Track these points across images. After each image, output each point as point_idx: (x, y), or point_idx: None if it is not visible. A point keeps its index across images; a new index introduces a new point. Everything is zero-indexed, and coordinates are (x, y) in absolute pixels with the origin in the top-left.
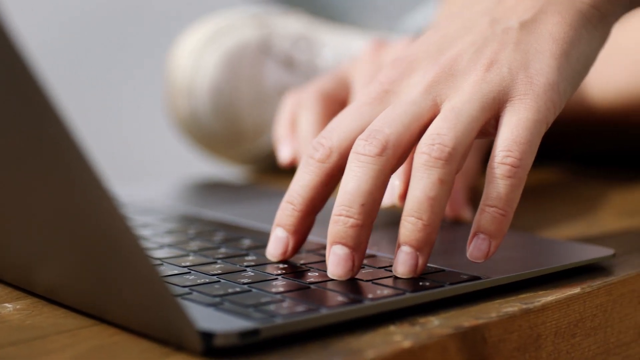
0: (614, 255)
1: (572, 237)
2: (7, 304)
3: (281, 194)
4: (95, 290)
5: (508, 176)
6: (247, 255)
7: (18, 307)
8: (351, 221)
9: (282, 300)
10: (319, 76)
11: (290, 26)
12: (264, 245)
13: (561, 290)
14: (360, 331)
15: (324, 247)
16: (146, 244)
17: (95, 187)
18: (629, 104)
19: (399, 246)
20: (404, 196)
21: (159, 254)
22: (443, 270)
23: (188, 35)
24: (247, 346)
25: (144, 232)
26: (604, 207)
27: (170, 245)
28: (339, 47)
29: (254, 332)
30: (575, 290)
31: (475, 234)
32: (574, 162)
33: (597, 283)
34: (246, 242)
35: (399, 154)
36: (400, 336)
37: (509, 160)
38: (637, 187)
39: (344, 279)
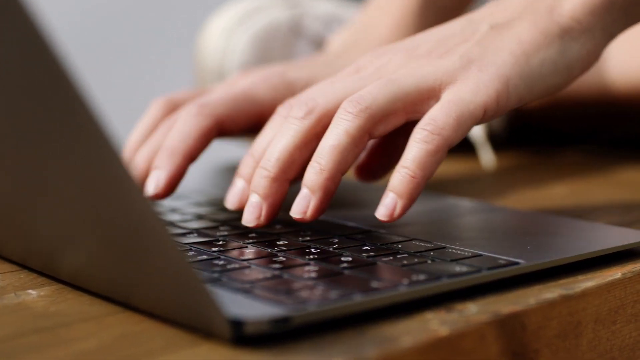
0: None
1: (609, 221)
2: (31, 291)
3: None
4: (121, 276)
5: (425, 141)
6: (278, 239)
7: (42, 293)
8: (264, 172)
9: (314, 287)
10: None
11: (322, 6)
12: (295, 230)
13: (601, 275)
14: (395, 318)
15: (359, 232)
16: (175, 230)
17: (121, 172)
18: None
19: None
20: (360, 167)
21: (188, 239)
22: (480, 255)
23: (218, 16)
24: (278, 334)
25: (172, 217)
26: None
27: (199, 231)
28: None
29: (285, 320)
30: (616, 275)
31: (386, 194)
32: (610, 145)
33: (638, 268)
34: (277, 227)
35: (324, 122)
36: (437, 323)
37: (430, 127)
38: None
39: (251, 225)
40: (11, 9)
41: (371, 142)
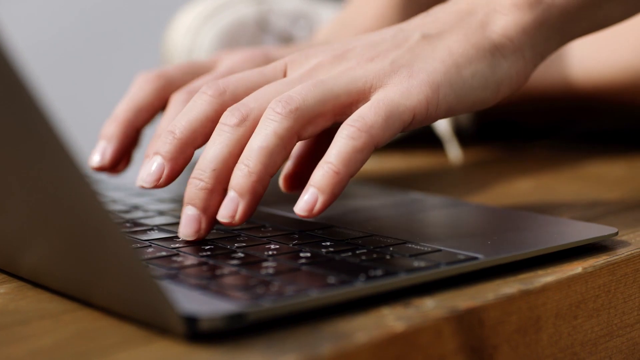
0: (616, 234)
1: (573, 216)
2: None
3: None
4: (78, 273)
5: (352, 137)
6: (238, 236)
7: (2, 291)
8: (201, 184)
9: (270, 283)
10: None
11: (288, 3)
12: (256, 226)
13: (562, 270)
14: (351, 314)
15: (320, 227)
16: (136, 227)
17: (74, 172)
18: (633, 80)
19: (228, 192)
20: (288, 176)
21: (149, 236)
22: (439, 250)
23: (184, 13)
24: (233, 330)
25: (134, 214)
26: (607, 185)
27: (160, 227)
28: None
29: (240, 316)
30: (577, 270)
31: (307, 189)
32: (578, 140)
33: (599, 262)
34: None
35: None
36: (393, 319)
37: (357, 124)
38: None
39: (191, 239)
40: None
41: (297, 150)
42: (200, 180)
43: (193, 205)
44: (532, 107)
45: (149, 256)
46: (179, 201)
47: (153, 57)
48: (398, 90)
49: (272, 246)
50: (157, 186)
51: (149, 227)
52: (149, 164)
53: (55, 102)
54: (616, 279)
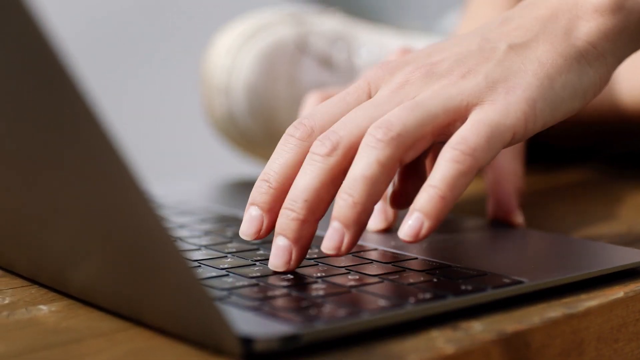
0: None
1: (610, 239)
2: (42, 306)
3: None
4: (131, 292)
5: (456, 161)
6: None
7: (53, 309)
8: (293, 215)
9: (322, 304)
10: (357, 76)
11: (328, 25)
12: None
13: (604, 294)
14: (401, 336)
15: (365, 250)
16: (183, 246)
17: (132, 188)
18: None
19: (330, 222)
20: (393, 198)
21: (197, 255)
22: (485, 274)
23: (224, 34)
24: (287, 351)
25: (181, 233)
26: None
27: (207, 247)
28: (376, 47)
29: (295, 338)
30: (619, 294)
31: (411, 212)
32: (610, 163)
33: (639, 287)
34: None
35: (351, 155)
36: (443, 341)
37: (461, 147)
38: None
39: (281, 270)
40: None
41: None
42: (292, 210)
43: (284, 235)
44: (569, 130)
45: (200, 277)
46: (224, 221)
47: (194, 76)
48: (497, 109)
49: (320, 267)
50: (258, 237)
51: (197, 247)
52: (247, 215)
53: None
54: None
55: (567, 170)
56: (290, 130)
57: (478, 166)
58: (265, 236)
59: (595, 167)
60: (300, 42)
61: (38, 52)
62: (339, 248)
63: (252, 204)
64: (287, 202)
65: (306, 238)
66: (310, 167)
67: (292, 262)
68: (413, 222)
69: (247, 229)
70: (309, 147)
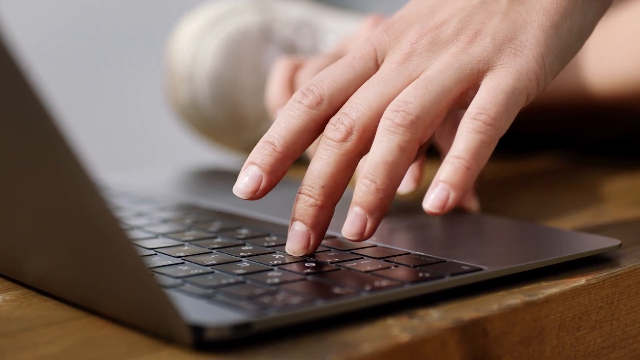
0: (620, 246)
1: (577, 227)
2: None
3: (283, 183)
4: (84, 282)
5: (479, 131)
6: (243, 245)
7: (7, 298)
8: (311, 200)
9: (276, 292)
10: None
11: (293, 12)
12: (261, 235)
13: (565, 282)
14: (357, 324)
15: (325, 238)
16: (140, 234)
17: (83, 178)
18: (634, 91)
19: (351, 207)
20: (418, 180)
21: (153, 243)
22: (444, 261)
23: (188, 21)
24: (239, 339)
25: (138, 221)
26: (609, 197)
27: (165, 235)
28: (342, 33)
29: (246, 325)
30: (580, 282)
31: (435, 184)
32: (579, 150)
33: (602, 274)
34: (243, 232)
35: (366, 138)
36: (398, 329)
37: (482, 117)
38: None
39: (298, 254)
40: None
41: None
42: (310, 196)
43: (302, 221)
44: (539, 117)
45: (155, 265)
46: (183, 209)
47: (157, 62)
48: (508, 73)
49: (277, 255)
50: (252, 198)
51: (154, 235)
52: (245, 174)
53: (59, 106)
54: (619, 290)
55: (535, 158)
56: (297, 95)
57: (499, 134)
58: (259, 198)
59: (564, 155)
60: (264, 29)
61: None
62: (362, 234)
63: (253, 163)
64: (304, 187)
65: (324, 223)
66: (326, 153)
67: (310, 247)
68: (439, 193)
69: (245, 187)
70: (317, 115)
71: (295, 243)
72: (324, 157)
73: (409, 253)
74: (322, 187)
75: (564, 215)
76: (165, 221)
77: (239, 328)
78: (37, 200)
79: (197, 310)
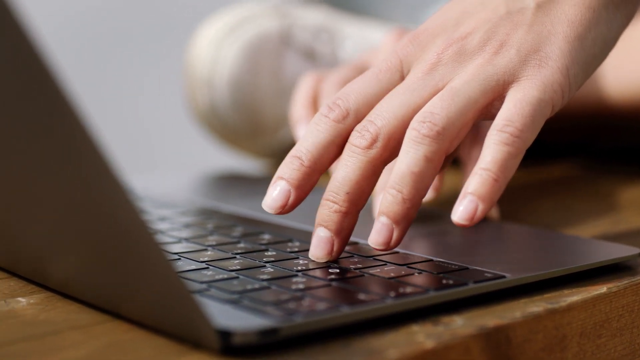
0: (639, 255)
1: (595, 235)
2: (20, 298)
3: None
4: (109, 285)
5: (506, 143)
6: (266, 250)
7: (32, 301)
8: (335, 207)
9: (302, 298)
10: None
11: (312, 17)
12: (283, 241)
13: (587, 289)
14: (381, 330)
15: (347, 244)
16: (163, 238)
17: (110, 181)
18: None
19: (377, 217)
20: (437, 189)
21: (176, 248)
22: (466, 268)
23: (208, 26)
24: (266, 344)
25: (161, 225)
26: (627, 205)
27: (187, 240)
28: (360, 39)
29: (273, 331)
30: (602, 289)
31: (464, 196)
32: (596, 158)
33: (623, 283)
34: (265, 237)
35: (391, 146)
36: (423, 336)
37: (509, 129)
38: None
39: (322, 260)
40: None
41: None
42: (335, 203)
43: (326, 227)
44: (557, 125)
45: (179, 269)
46: (205, 213)
47: (177, 66)
48: (534, 85)
49: (301, 261)
50: (281, 212)
51: (177, 240)
52: (274, 189)
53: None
54: (639, 299)
55: (553, 165)
56: (324, 110)
57: (526, 146)
58: (287, 212)
59: (581, 163)
60: (284, 34)
61: (15, 43)
62: (388, 243)
63: (282, 178)
64: (328, 193)
65: (348, 229)
66: (351, 159)
67: (334, 254)
68: (468, 205)
69: (274, 202)
70: (344, 129)
71: (319, 249)
72: (349, 163)
73: (432, 260)
74: (347, 193)
75: (582, 223)
76: (187, 226)
77: (266, 333)
78: (63, 203)
79: (223, 315)
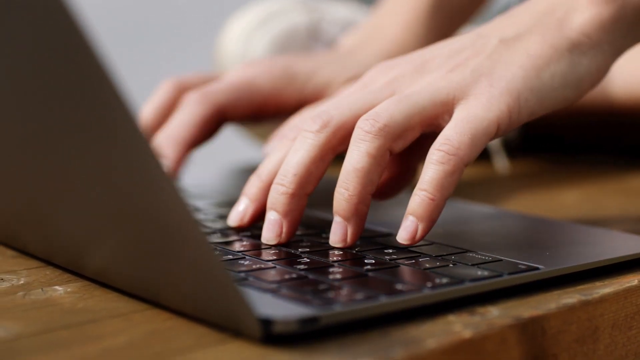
0: None
1: (623, 229)
2: (57, 287)
3: (332, 179)
4: (149, 273)
5: (441, 162)
6: (301, 240)
7: (69, 290)
8: (282, 189)
9: (340, 287)
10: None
11: (340, 11)
12: (316, 233)
13: (619, 282)
14: (419, 320)
15: (380, 235)
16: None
17: (152, 166)
18: None
19: (334, 217)
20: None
21: (212, 239)
22: (500, 260)
23: (236, 20)
24: (305, 333)
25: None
26: None
27: (222, 231)
28: None
29: (313, 320)
30: (633, 282)
31: (406, 217)
32: (621, 155)
33: None
34: (300, 228)
35: (340, 135)
36: (460, 326)
37: (445, 147)
38: None
39: (272, 243)
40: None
41: None
42: (282, 185)
43: (275, 210)
44: (577, 122)
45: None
46: None
47: (206, 62)
48: (479, 103)
49: (336, 252)
50: (279, 243)
51: (212, 231)
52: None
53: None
54: None
55: (578, 161)
56: (305, 134)
57: (464, 163)
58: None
59: (605, 159)
60: (312, 28)
61: (57, 24)
62: (345, 240)
63: (244, 195)
64: (278, 177)
65: (296, 212)
66: (301, 144)
67: (283, 235)
68: (408, 226)
69: (234, 216)
70: (324, 138)
71: (269, 232)
72: (298, 147)
73: (466, 251)
74: (294, 175)
75: (607, 217)
76: (221, 217)
77: (306, 322)
78: (103, 191)
79: (263, 304)
